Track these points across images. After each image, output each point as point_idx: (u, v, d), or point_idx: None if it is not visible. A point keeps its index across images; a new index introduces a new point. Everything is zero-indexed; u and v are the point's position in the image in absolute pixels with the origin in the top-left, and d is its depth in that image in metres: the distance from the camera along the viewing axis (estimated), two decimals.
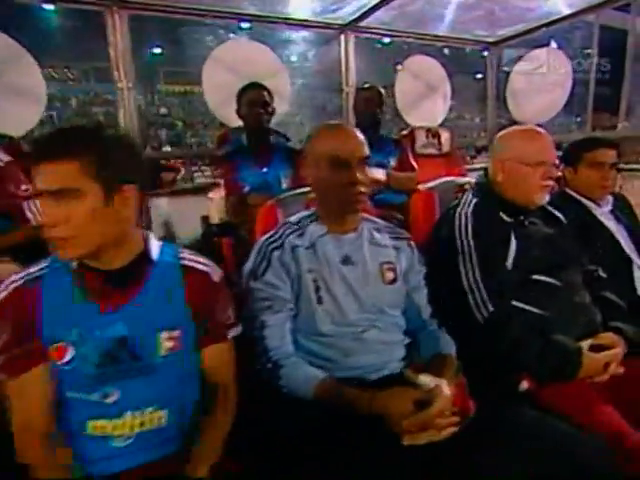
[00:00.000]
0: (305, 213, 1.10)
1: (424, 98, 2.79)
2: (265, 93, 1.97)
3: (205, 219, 1.78)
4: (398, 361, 1.03)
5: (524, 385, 1.10)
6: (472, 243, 1.17)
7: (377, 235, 1.10)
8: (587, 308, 1.19)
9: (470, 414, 0.88)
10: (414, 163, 2.26)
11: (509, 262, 1.18)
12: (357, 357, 0.98)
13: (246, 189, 1.91)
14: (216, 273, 0.89)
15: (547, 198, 1.25)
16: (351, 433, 0.82)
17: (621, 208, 1.66)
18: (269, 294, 0.98)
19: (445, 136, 2.64)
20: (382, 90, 2.16)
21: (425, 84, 2.78)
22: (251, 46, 2.35)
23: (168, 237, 2.28)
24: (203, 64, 2.25)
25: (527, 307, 1.16)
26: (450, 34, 2.85)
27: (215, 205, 1.69)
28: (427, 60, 2.82)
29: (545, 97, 2.74)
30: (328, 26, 2.50)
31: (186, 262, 0.86)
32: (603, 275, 1.36)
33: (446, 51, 3.27)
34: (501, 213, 1.24)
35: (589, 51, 2.70)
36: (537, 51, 2.81)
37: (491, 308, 1.11)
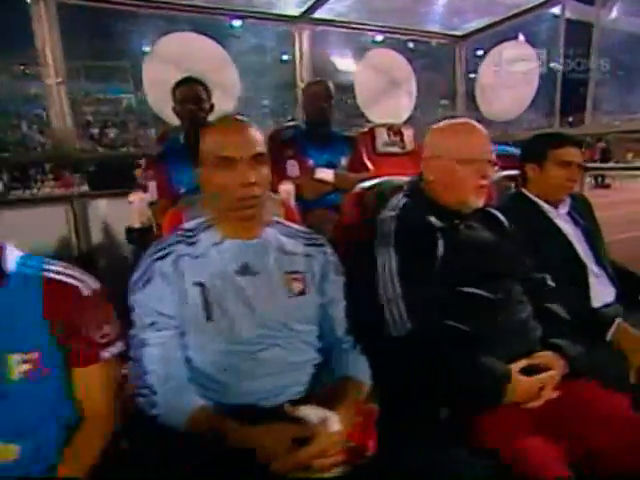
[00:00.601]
0: (203, 219, 0.98)
1: (387, 94, 2.65)
2: (200, 88, 1.84)
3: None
4: (304, 384, 0.92)
5: (444, 413, 0.97)
6: (392, 250, 1.04)
7: (286, 241, 1.00)
8: (525, 324, 1.05)
9: (369, 452, 0.78)
10: (368, 163, 2.13)
11: (435, 273, 1.04)
12: (252, 381, 0.88)
13: (182, 191, 1.77)
14: (88, 287, 0.80)
15: (483, 200, 1.11)
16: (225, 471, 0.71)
17: (579, 210, 1.53)
18: (150, 310, 0.88)
19: (408, 134, 2.51)
20: (331, 85, 2.03)
21: (388, 79, 2.64)
22: (196, 40, 2.21)
23: (108, 243, 2.15)
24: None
25: (454, 324, 1.02)
26: (416, 27, 2.72)
27: (136, 208, 1.55)
28: (390, 54, 2.68)
29: (513, 93, 2.61)
30: (280, 18, 2.36)
31: (50, 275, 0.78)
32: (551, 284, 1.23)
33: (411, 45, 3.13)
34: (431, 217, 1.11)
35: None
36: (505, 45, 2.68)
37: (409, 326, 0.97)
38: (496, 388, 0.92)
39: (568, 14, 2.23)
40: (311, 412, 0.78)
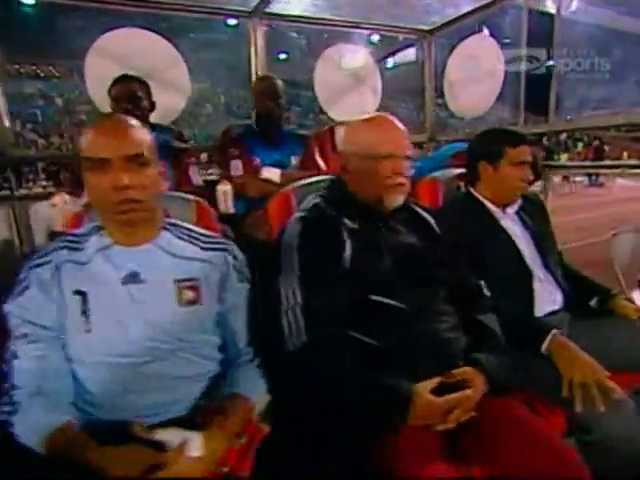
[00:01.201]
0: (94, 223, 0.92)
1: (350, 90, 2.56)
2: (137, 86, 1.76)
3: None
4: (195, 399, 0.88)
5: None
6: (296, 255, 0.95)
7: (183, 246, 0.94)
8: (444, 337, 0.96)
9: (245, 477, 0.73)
10: (321, 162, 2.03)
11: (341, 279, 0.95)
12: (134, 396, 0.83)
13: None
14: None
15: (401, 198, 1.02)
16: None
17: (530, 211, 1.44)
18: (23, 320, 0.83)
19: None
20: (279, 81, 1.93)
21: (350, 75, 2.55)
22: (142, 35, 2.11)
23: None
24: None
25: (361, 337, 0.93)
26: (381, 22, 2.63)
27: (59, 211, 1.47)
28: (353, 49, 2.59)
29: (479, 88, 2.52)
30: (234, 13, 2.26)
31: None
32: (486, 293, 1.13)
33: (375, 39, 3.04)
34: (344, 217, 1.02)
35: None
36: (470, 39, 2.59)
37: (304, 338, 0.88)
38: (396, 409, 0.83)
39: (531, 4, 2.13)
40: (171, 435, 0.71)
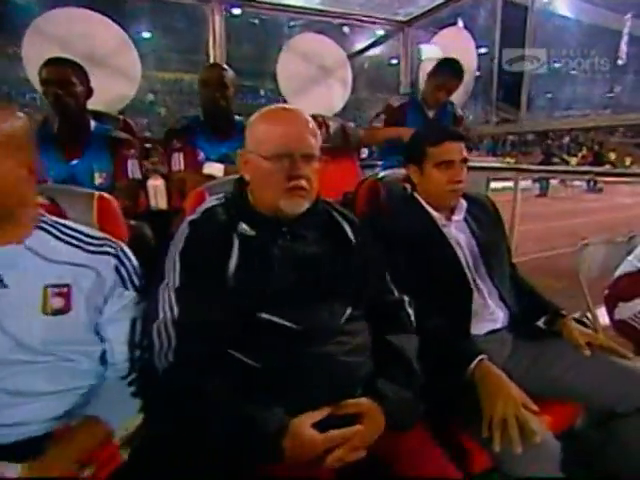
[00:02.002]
0: None
1: (316, 83, 2.41)
2: (68, 70, 1.62)
3: None
4: (55, 418, 0.78)
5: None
6: (178, 262, 0.83)
7: (58, 247, 0.85)
8: (338, 361, 0.82)
9: None
10: None
11: (225, 292, 0.82)
12: None
13: (48, 183, 1.58)
14: None
15: (301, 205, 0.89)
16: None
17: (478, 216, 1.30)
18: None
19: (335, 127, 2.28)
20: (226, 70, 1.79)
21: (318, 67, 2.40)
22: (88, 17, 1.97)
23: None
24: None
25: (243, 358, 0.81)
26: (355, 12, 2.48)
27: None
28: (320, 39, 2.44)
29: None
30: None
31: None
32: (410, 311, 1.00)
33: (346, 29, 2.88)
34: (241, 223, 0.89)
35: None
36: (445, 31, 2.44)
37: (171, 357, 0.76)
38: (265, 444, 0.70)
39: None
40: None
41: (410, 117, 2.19)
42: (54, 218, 0.90)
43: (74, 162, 1.65)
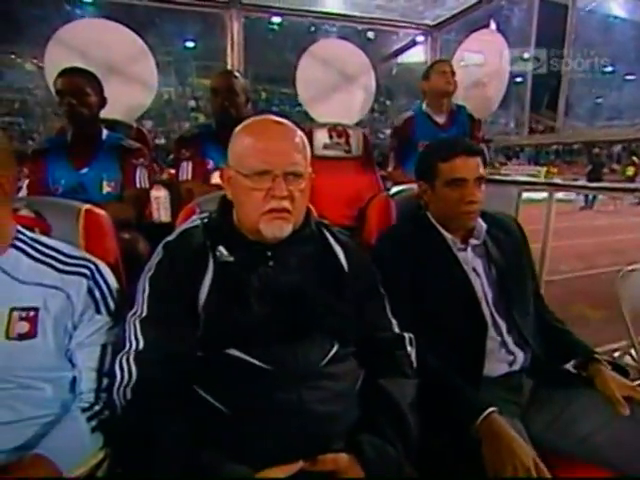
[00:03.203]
0: None
1: (337, 90, 2.32)
2: (82, 81, 1.64)
3: None
4: (13, 450, 0.73)
5: None
6: (147, 289, 0.76)
7: (31, 266, 0.81)
8: (310, 409, 0.72)
9: None
10: None
11: (195, 323, 0.74)
12: None
13: (59, 191, 1.63)
14: None
15: (283, 229, 0.79)
16: None
17: (500, 240, 1.15)
18: None
19: (357, 135, 2.18)
20: (237, 77, 1.74)
21: (339, 73, 2.31)
22: (106, 27, 1.98)
23: None
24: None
25: (209, 398, 0.72)
26: (379, 16, 2.37)
27: None
28: (343, 45, 2.35)
29: (482, 90, 2.20)
30: (211, 3, 2.09)
31: None
32: (409, 348, 0.88)
33: (370, 35, 2.77)
34: (220, 247, 0.80)
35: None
36: (475, 35, 2.27)
37: (129, 394, 0.70)
38: None
39: None
40: None
41: (419, 129, 2.07)
42: (32, 235, 0.86)
43: (84, 170, 1.66)
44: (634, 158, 15.14)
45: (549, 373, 1.02)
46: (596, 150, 15.48)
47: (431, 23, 2.47)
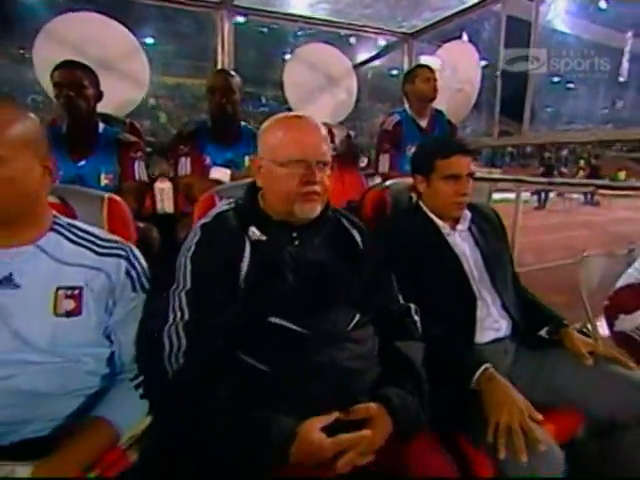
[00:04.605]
0: None
1: (322, 92, 2.45)
2: (80, 73, 1.65)
3: None
4: (62, 419, 0.79)
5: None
6: (189, 266, 0.84)
7: (71, 249, 0.86)
8: (343, 367, 0.83)
9: None
10: None
11: (235, 295, 0.84)
12: None
13: (56, 183, 1.59)
14: None
15: (315, 209, 0.90)
16: None
17: (482, 227, 1.32)
18: None
19: (341, 135, 2.31)
20: (233, 76, 1.82)
21: (324, 76, 2.44)
22: (99, 21, 2.00)
23: None
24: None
25: (253, 362, 0.81)
26: (360, 23, 2.52)
27: None
28: (327, 49, 2.48)
29: (456, 96, 2.41)
30: (201, 3, 2.16)
31: None
32: (416, 318, 1.02)
33: (352, 40, 2.93)
34: (252, 228, 0.90)
35: None
36: (448, 45, 2.49)
37: (182, 360, 0.77)
38: (274, 446, 0.71)
39: (508, 11, 2.03)
40: None
41: (406, 132, 2.23)
42: (67, 220, 0.91)
43: (81, 163, 1.68)
44: (581, 162, 16.36)
45: (528, 339, 1.20)
46: (547, 154, 16.58)
47: (407, 31, 2.65)
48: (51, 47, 1.91)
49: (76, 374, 0.82)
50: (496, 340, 1.17)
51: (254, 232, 0.90)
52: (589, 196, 11.48)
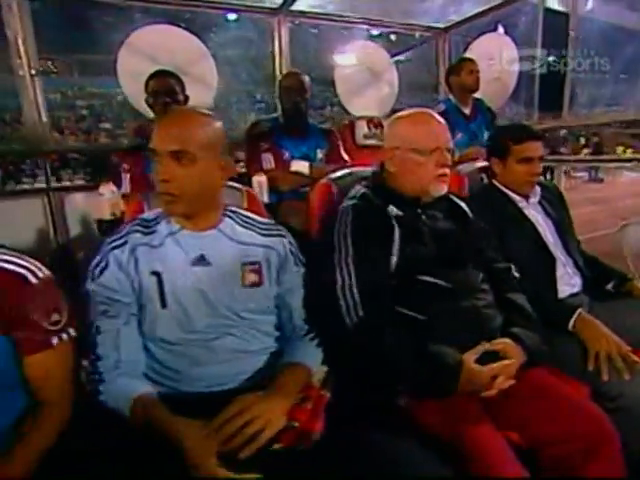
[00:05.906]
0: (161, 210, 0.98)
1: (368, 86, 2.64)
2: (173, 81, 1.84)
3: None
4: (258, 372, 0.95)
5: (402, 401, 0.97)
6: (349, 240, 1.04)
7: (243, 232, 1.01)
8: (483, 313, 1.05)
9: (315, 436, 0.81)
10: (345, 155, 2.12)
11: (393, 261, 1.04)
12: (204, 367, 0.91)
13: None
14: (35, 275, 0.80)
15: (445, 188, 1.12)
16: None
17: (550, 200, 1.54)
18: (104, 297, 0.89)
19: None
20: (305, 77, 2.01)
21: (369, 71, 2.63)
22: (171, 31, 2.18)
23: (85, 235, 2.13)
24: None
25: (409, 312, 1.03)
26: (396, 19, 2.70)
27: (107, 201, 1.56)
28: (370, 46, 2.67)
29: (492, 86, 2.60)
30: (259, 10, 2.33)
31: None
32: (515, 274, 1.23)
33: (392, 37, 3.12)
34: (390, 206, 1.11)
35: None
36: (484, 37, 2.67)
37: (361, 313, 0.97)
38: (447, 377, 0.92)
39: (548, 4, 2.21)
40: None
41: (452, 119, 2.41)
42: (232, 208, 1.04)
43: None
44: (582, 140, 16.45)
45: (597, 292, 1.41)
46: (546, 134, 16.63)
47: (441, 26, 2.83)
48: (132, 58, 2.09)
49: (259, 335, 0.97)
50: (573, 295, 1.39)
51: (393, 209, 1.11)
52: (593, 173, 11.71)
